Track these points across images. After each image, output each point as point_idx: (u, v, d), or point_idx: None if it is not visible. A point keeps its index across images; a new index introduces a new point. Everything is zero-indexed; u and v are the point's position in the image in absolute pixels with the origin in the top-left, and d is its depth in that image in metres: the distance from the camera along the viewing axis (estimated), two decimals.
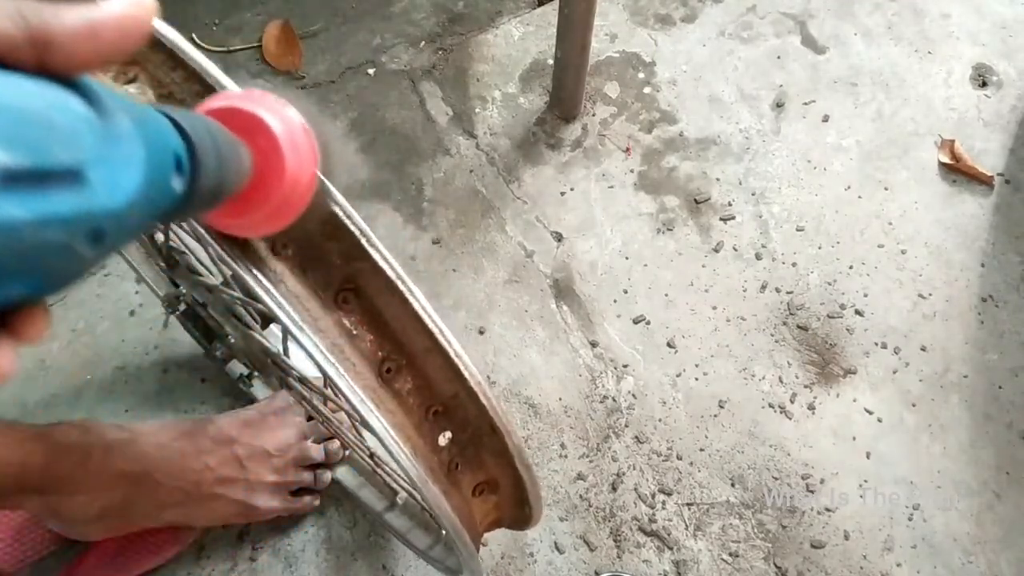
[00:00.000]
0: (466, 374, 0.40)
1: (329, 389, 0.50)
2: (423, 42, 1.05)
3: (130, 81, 0.35)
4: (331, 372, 0.35)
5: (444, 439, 0.42)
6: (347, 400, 0.36)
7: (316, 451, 0.68)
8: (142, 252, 0.70)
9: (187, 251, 0.54)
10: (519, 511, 0.48)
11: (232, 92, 0.29)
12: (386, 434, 0.37)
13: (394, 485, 0.64)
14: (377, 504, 0.68)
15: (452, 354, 0.39)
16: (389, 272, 0.37)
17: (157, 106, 0.23)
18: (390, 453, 0.37)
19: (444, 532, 0.50)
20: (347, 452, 0.70)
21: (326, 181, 0.32)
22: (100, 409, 0.77)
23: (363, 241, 0.36)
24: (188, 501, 0.61)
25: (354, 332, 0.38)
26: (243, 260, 0.33)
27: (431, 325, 0.38)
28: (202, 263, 0.53)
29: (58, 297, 0.83)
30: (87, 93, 0.19)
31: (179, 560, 0.70)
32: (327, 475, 0.69)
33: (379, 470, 0.62)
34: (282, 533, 0.72)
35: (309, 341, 0.34)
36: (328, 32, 1.05)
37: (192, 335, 0.71)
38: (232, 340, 0.63)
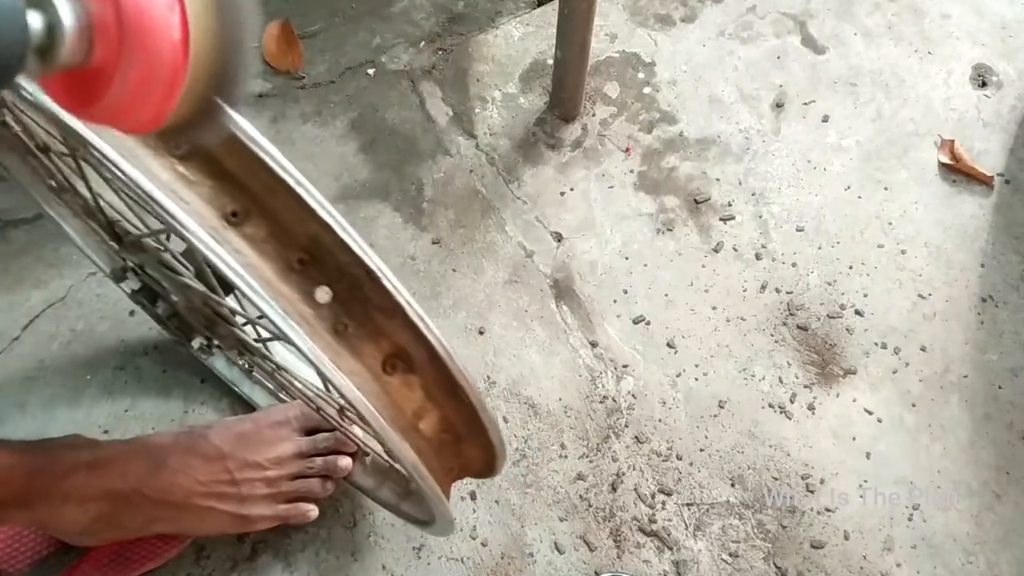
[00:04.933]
0: (314, 205, 0.36)
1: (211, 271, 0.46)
2: (423, 42, 1.05)
3: None
4: (171, 208, 0.32)
5: (325, 295, 0.38)
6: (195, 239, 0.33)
7: (316, 465, 0.66)
8: (84, 226, 0.68)
9: (120, 217, 0.51)
10: (478, 438, 0.44)
11: None
12: (231, 270, 0.33)
13: (363, 447, 0.63)
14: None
15: (293, 183, 0.35)
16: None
17: None
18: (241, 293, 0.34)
19: (405, 471, 0.45)
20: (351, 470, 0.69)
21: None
22: (100, 409, 0.77)
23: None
24: (179, 515, 0.61)
25: (192, 179, 0.35)
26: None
27: (270, 162, 0.35)
28: (136, 226, 0.51)
29: (58, 297, 0.83)
30: None
31: (179, 561, 0.70)
32: (328, 484, 0.68)
33: (347, 431, 0.61)
34: (282, 533, 0.72)
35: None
36: (328, 32, 1.05)
37: (149, 313, 0.68)
38: (175, 299, 0.60)
